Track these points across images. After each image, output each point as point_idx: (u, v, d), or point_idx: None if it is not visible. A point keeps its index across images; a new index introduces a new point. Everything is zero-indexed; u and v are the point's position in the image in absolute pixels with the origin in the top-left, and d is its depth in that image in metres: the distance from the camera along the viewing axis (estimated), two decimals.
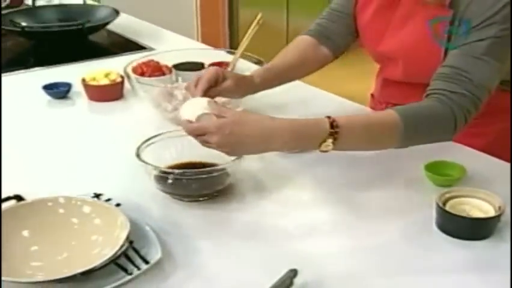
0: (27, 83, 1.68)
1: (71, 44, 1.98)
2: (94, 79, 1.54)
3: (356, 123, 1.06)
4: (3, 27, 1.99)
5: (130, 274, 0.86)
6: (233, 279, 0.91)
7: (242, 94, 1.28)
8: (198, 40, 3.49)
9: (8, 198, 1.01)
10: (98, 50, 2.03)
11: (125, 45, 2.04)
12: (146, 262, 0.89)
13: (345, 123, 1.03)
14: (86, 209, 0.96)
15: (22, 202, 0.99)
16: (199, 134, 1.02)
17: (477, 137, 1.31)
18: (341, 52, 1.45)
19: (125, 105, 1.55)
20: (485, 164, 1.22)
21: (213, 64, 1.53)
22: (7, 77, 1.75)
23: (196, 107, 1.07)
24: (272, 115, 1.06)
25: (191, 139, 1.17)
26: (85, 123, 1.47)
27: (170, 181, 1.07)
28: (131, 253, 0.90)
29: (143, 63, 1.56)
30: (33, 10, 2.18)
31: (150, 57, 1.58)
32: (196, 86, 1.16)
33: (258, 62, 1.49)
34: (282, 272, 0.86)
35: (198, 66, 1.59)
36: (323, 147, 1.02)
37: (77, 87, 1.58)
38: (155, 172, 1.08)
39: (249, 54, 1.48)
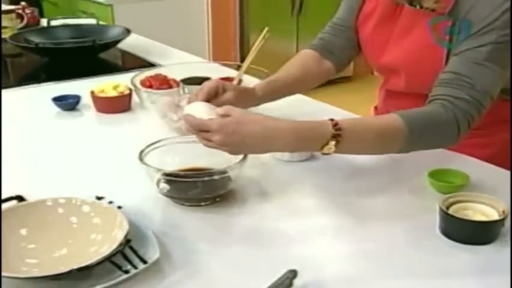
0: (38, 96, 1.67)
1: (83, 61, 1.98)
2: (102, 91, 1.53)
3: (359, 127, 1.03)
4: (18, 44, 2.00)
5: (127, 273, 0.83)
6: (232, 280, 0.87)
7: (243, 106, 1.24)
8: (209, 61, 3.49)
9: (9, 199, 0.98)
10: (108, 66, 2.02)
11: (135, 62, 2.03)
12: (144, 262, 0.86)
13: (348, 126, 1.00)
14: (86, 208, 0.93)
15: (23, 202, 0.96)
16: (202, 130, 1.00)
17: (481, 148, 1.28)
18: (344, 65, 1.43)
19: (133, 117, 1.53)
20: (488, 173, 1.18)
21: (221, 79, 1.51)
22: (19, 91, 1.75)
23: (199, 108, 1.05)
24: None
25: (194, 146, 1.15)
26: (92, 133, 1.45)
27: (165, 185, 1.04)
28: (129, 253, 0.87)
29: (151, 76, 1.54)
30: (48, 29, 2.20)
31: (158, 72, 1.57)
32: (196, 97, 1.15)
33: (264, 75, 1.47)
34: (279, 274, 0.82)
35: (205, 81, 1.57)
36: (325, 150, 1.00)
37: (86, 100, 1.57)
38: (157, 176, 1.05)
39: (254, 66, 1.46)
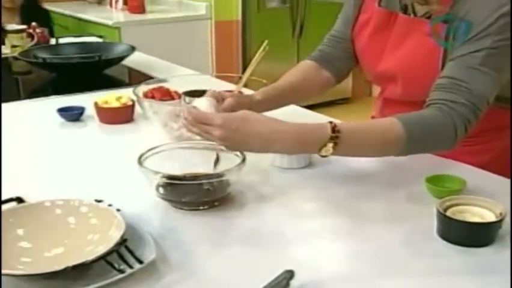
0: (44, 107, 1.64)
1: (89, 76, 1.95)
2: (105, 102, 1.50)
3: (357, 129, 1.01)
4: (27, 59, 1.98)
5: (123, 272, 0.79)
6: (228, 281, 0.83)
7: None
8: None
9: (9, 200, 0.95)
10: (113, 81, 2.00)
11: (140, 78, 2.00)
12: (141, 262, 0.82)
13: (347, 129, 0.97)
14: (84, 209, 0.90)
15: (22, 204, 0.93)
16: (203, 122, 0.97)
17: (477, 155, 1.24)
18: (342, 76, 1.41)
19: (135, 127, 1.50)
20: (485, 179, 1.14)
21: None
22: (27, 103, 1.73)
23: (205, 103, 1.04)
24: None
25: (193, 152, 1.12)
26: (94, 142, 1.42)
27: (161, 189, 1.01)
28: (126, 253, 0.83)
29: (154, 88, 1.51)
30: (56, 47, 2.18)
31: (161, 85, 1.54)
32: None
33: (264, 86, 1.44)
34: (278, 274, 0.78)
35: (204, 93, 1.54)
36: (323, 152, 0.97)
37: (90, 112, 1.54)
38: (156, 179, 1.02)
39: (254, 78, 1.44)
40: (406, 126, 1.02)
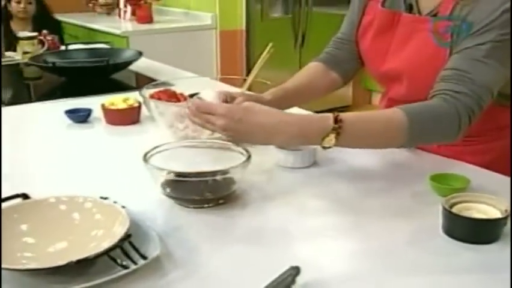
0: (52, 109, 1.60)
1: (96, 80, 1.92)
2: (112, 104, 1.46)
3: (359, 119, 0.97)
4: (37, 64, 1.95)
5: (126, 268, 0.75)
6: (233, 278, 0.79)
7: None
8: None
9: (14, 196, 0.90)
10: (120, 85, 1.96)
11: (146, 82, 1.96)
12: (145, 258, 0.78)
13: (349, 119, 0.93)
14: (88, 205, 0.86)
15: (27, 200, 0.89)
16: (206, 112, 0.93)
17: (480, 155, 1.20)
18: (349, 77, 1.37)
19: (141, 129, 1.46)
20: (487, 179, 1.10)
21: None
22: (35, 105, 1.70)
23: (211, 95, 1.00)
24: None
25: (198, 151, 1.08)
26: (101, 142, 1.38)
27: (166, 187, 0.97)
28: (130, 250, 0.79)
29: (160, 91, 1.48)
30: (65, 52, 2.15)
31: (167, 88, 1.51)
32: None
33: (269, 88, 1.40)
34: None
35: None
36: (326, 142, 0.93)
37: (97, 114, 1.50)
38: (161, 177, 0.98)
39: (259, 80, 1.40)
40: (409, 115, 0.98)
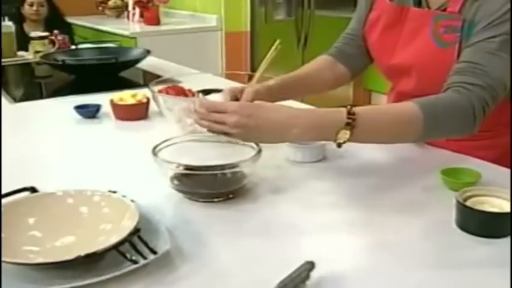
0: (61, 105, 1.55)
1: (105, 78, 1.86)
2: (121, 99, 1.41)
3: (373, 113, 0.91)
4: (47, 62, 1.90)
5: (136, 263, 0.69)
6: (243, 273, 0.74)
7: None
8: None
9: (23, 190, 0.85)
10: (128, 83, 1.90)
11: (154, 79, 1.91)
12: (154, 253, 0.72)
13: (363, 113, 0.87)
14: (96, 198, 0.80)
15: (34, 194, 0.83)
16: (216, 111, 0.87)
17: (488, 149, 1.14)
18: (358, 71, 1.32)
19: (150, 124, 1.41)
20: (497, 173, 1.04)
21: None
22: (45, 102, 1.65)
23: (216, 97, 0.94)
24: None
25: (207, 146, 1.03)
26: (109, 137, 1.33)
27: (176, 180, 0.91)
28: (139, 244, 0.73)
29: (168, 87, 1.42)
30: (75, 50, 2.10)
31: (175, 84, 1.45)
32: None
33: None
34: (296, 266, 0.69)
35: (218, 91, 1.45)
36: (340, 137, 0.87)
37: (106, 109, 1.45)
38: (171, 171, 0.92)
39: (265, 75, 1.34)
40: (423, 108, 0.92)
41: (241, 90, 1.09)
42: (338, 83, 1.29)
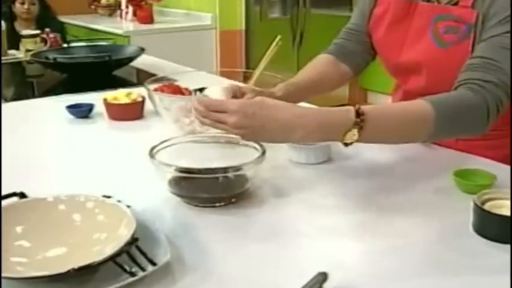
0: (53, 105, 1.48)
1: (99, 76, 1.79)
2: (115, 98, 1.35)
3: (383, 111, 0.85)
4: (38, 60, 1.83)
5: (134, 275, 0.63)
6: (250, 283, 0.68)
7: None
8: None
9: (11, 195, 0.78)
10: (122, 82, 1.84)
11: (149, 78, 1.85)
12: (154, 264, 0.66)
13: (372, 111, 0.81)
14: (90, 205, 0.74)
15: (23, 199, 0.77)
16: (216, 110, 0.81)
17: (495, 149, 1.09)
18: (360, 69, 1.26)
19: (145, 124, 1.35)
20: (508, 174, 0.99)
21: None
22: (36, 101, 1.58)
23: (217, 91, 0.88)
24: None
25: (207, 147, 0.97)
26: (103, 138, 1.26)
27: (174, 184, 0.85)
28: (137, 254, 0.68)
29: (164, 85, 1.36)
30: (67, 49, 2.03)
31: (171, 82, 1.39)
32: None
33: (279, 81, 1.28)
34: (304, 276, 0.63)
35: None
36: (348, 137, 0.81)
37: (100, 109, 1.38)
38: (169, 174, 0.87)
39: (267, 73, 1.28)
40: (435, 106, 0.86)
41: (242, 92, 1.03)
42: (340, 83, 1.24)
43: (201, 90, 1.38)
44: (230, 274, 0.69)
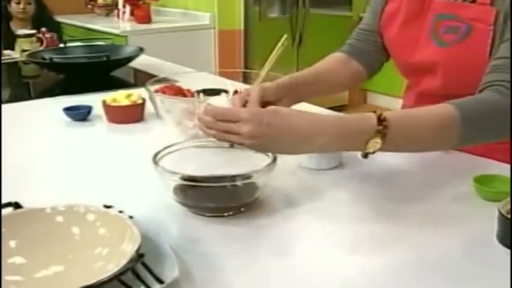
0: (49, 107, 1.43)
1: (97, 77, 1.73)
2: (114, 100, 1.29)
3: (406, 117, 0.80)
4: (34, 60, 1.77)
5: None
6: None
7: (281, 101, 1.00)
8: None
9: (5, 205, 0.72)
10: (121, 83, 1.78)
11: (148, 79, 1.79)
12: (161, 282, 0.61)
13: (394, 118, 0.76)
14: (90, 217, 0.68)
15: (18, 210, 0.71)
16: (229, 119, 0.75)
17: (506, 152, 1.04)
18: (374, 70, 1.20)
19: (146, 127, 1.29)
20: None
21: (236, 92, 1.28)
22: (32, 102, 1.53)
23: (223, 101, 0.81)
24: None
25: (213, 152, 0.91)
26: (102, 143, 1.20)
27: (179, 192, 0.80)
28: (142, 271, 0.62)
29: (166, 86, 1.30)
30: (64, 49, 1.97)
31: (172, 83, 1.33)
32: None
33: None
34: None
35: (220, 93, 1.33)
36: (370, 147, 0.75)
37: (98, 111, 1.32)
38: (174, 182, 0.81)
39: (272, 73, 1.23)
40: (462, 111, 0.81)
41: (247, 99, 0.97)
42: (353, 82, 1.19)
43: (204, 91, 1.33)
44: None
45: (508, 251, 0.72)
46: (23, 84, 1.99)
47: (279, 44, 1.22)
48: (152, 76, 1.80)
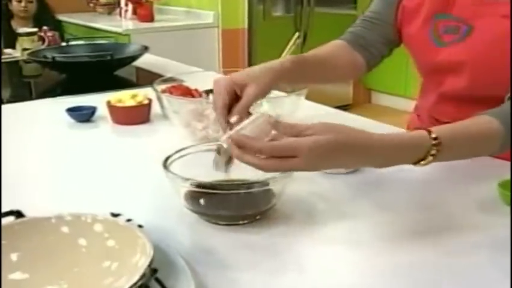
0: (52, 107, 1.38)
1: (100, 77, 1.68)
2: (119, 101, 1.24)
3: (457, 135, 0.76)
4: (37, 59, 1.73)
5: None
6: None
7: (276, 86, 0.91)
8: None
9: (6, 214, 0.68)
10: (125, 82, 1.73)
11: (153, 78, 1.74)
12: None
13: (446, 136, 0.73)
14: (98, 227, 0.63)
15: (20, 219, 0.66)
16: (285, 155, 0.66)
17: None
18: (374, 63, 1.12)
19: (152, 129, 1.24)
20: None
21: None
22: (35, 103, 1.48)
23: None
24: None
25: None
26: (107, 145, 1.15)
27: (191, 199, 0.75)
28: (155, 286, 0.57)
29: (173, 86, 1.25)
30: (66, 47, 1.92)
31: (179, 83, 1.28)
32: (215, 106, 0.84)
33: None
34: None
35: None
36: (423, 163, 0.73)
37: (102, 112, 1.28)
38: (185, 188, 0.76)
39: None
40: (502, 121, 0.78)
41: (242, 86, 0.86)
42: (351, 72, 1.11)
43: (211, 91, 1.28)
44: None
45: None
46: (24, 83, 1.94)
47: (291, 42, 1.18)
48: (157, 75, 1.76)
